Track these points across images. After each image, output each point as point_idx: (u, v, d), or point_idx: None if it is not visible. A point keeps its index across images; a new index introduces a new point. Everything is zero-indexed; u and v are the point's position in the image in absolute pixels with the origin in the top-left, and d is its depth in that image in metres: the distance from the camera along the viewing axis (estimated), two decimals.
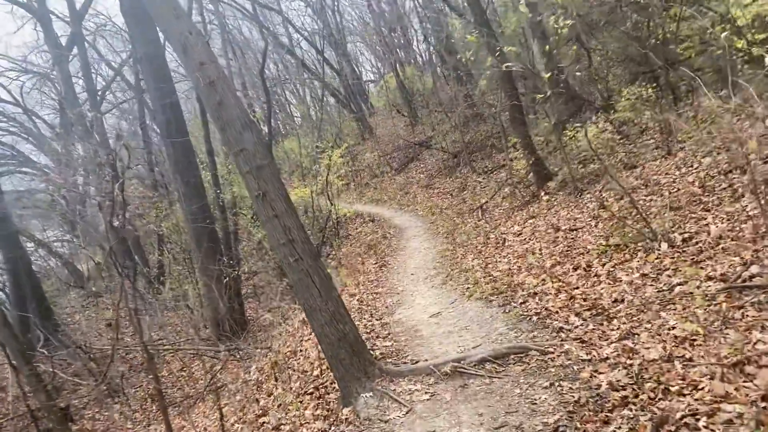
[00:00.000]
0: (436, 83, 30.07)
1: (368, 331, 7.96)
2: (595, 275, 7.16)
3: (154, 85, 14.39)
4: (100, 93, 25.19)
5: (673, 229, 7.22)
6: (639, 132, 12.82)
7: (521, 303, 7.24)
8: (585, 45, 17.27)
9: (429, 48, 31.19)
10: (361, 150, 29.40)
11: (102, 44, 29.09)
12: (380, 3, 34.56)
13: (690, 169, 9.22)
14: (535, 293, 7.33)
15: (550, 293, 7.10)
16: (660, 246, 7.00)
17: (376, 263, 12.72)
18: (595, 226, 9.22)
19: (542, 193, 13.01)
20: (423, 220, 17.17)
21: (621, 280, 6.66)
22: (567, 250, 8.67)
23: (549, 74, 8.49)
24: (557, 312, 6.52)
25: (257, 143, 5.73)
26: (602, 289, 6.63)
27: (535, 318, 6.61)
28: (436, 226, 15.38)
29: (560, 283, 7.29)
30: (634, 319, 5.66)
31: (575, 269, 7.68)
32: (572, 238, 9.18)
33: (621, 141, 12.45)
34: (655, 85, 11.78)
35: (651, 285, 6.24)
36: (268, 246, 17.93)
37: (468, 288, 8.70)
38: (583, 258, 7.96)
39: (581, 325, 5.99)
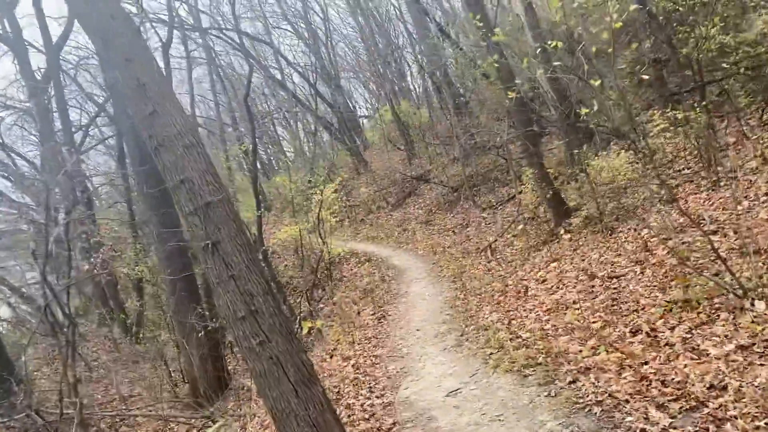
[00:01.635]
0: (432, 116, 28.58)
1: (367, 416, 6.03)
2: (667, 344, 5.29)
3: (126, 112, 12.68)
4: (83, 128, 23.50)
5: (765, 281, 5.40)
6: (667, 161, 11.11)
7: (570, 382, 5.35)
8: (596, 70, 15.70)
9: (424, 80, 29.76)
10: (355, 185, 27.66)
11: (87, 77, 27.49)
12: (374, 35, 33.31)
13: (756, 202, 7.45)
14: (587, 368, 5.45)
15: (610, 369, 5.22)
16: (754, 304, 5.18)
17: (374, 313, 10.80)
18: (642, 273, 7.39)
19: (561, 231, 11.21)
20: (424, 260, 15.31)
21: (708, 354, 4.81)
22: (613, 305, 6.82)
23: (599, 81, 6.74)
24: (628, 401, 4.64)
25: (206, 172, 3.93)
26: (685, 366, 4.76)
27: (596, 409, 4.72)
28: (440, 268, 13.52)
29: (619, 354, 5.42)
30: (755, 420, 3.81)
31: (634, 334, 5.82)
32: (615, 289, 7.34)
33: (649, 171, 10.73)
34: (692, 104, 10.12)
35: (760, 363, 4.40)
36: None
37: (491, 354, 6.80)
38: (640, 317, 6.11)
39: (671, 426, 4.12)
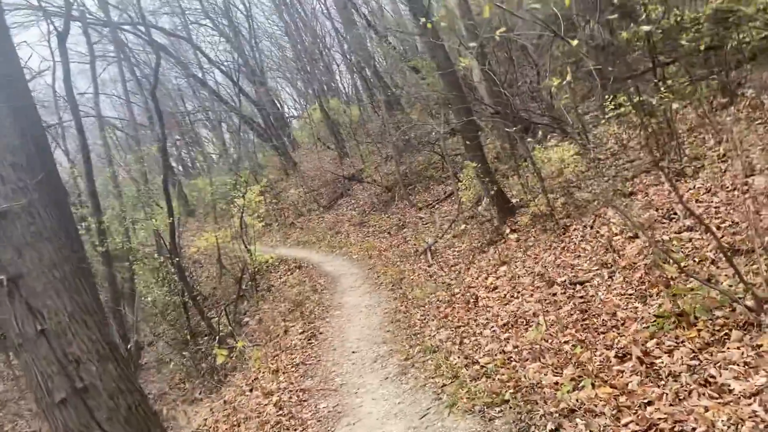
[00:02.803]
0: (363, 114, 27.21)
1: None
2: (670, 375, 4.10)
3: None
4: None
5: None
6: (616, 152, 10.18)
7: (552, 431, 4.07)
8: (533, 59, 14.83)
9: (353, 77, 28.38)
10: (284, 186, 25.92)
11: None
12: (300, 33, 31.58)
13: (734, 193, 6.47)
14: (572, 410, 4.18)
15: (602, 412, 3.98)
16: None
17: (303, 332, 9.28)
18: (611, 278, 6.28)
19: (507, 230, 10.08)
20: (359, 266, 13.90)
21: (732, 391, 3.64)
22: (584, 319, 5.63)
23: (558, 81, 5.50)
24: None
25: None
26: (706, 410, 3.56)
27: None
28: (377, 274, 12.14)
29: (610, 390, 4.19)
30: None
31: (621, 359, 4.62)
32: (581, 298, 6.18)
33: (598, 163, 9.74)
34: (640, 89, 9.19)
35: None
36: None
37: (444, 386, 5.46)
38: (622, 336, 4.92)
39: None
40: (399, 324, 7.96)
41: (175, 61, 26.15)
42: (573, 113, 12.61)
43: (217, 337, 10.87)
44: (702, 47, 7.82)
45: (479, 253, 9.92)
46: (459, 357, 5.92)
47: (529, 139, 13.76)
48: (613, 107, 9.07)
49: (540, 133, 13.91)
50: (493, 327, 6.49)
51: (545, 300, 6.67)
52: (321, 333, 8.94)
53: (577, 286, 6.60)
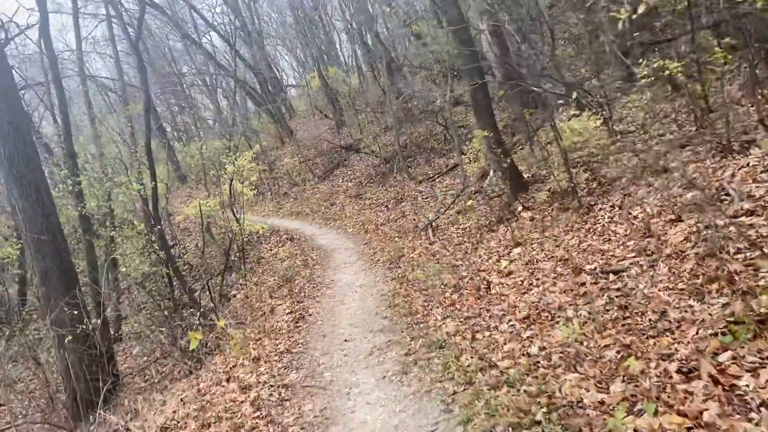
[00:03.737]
0: (362, 83, 25.84)
1: None
2: (763, 405, 3.05)
3: None
4: None
5: None
6: (640, 125, 9.03)
7: None
8: (549, 25, 13.54)
9: (354, 44, 26.93)
10: (279, 155, 24.67)
11: None
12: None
13: None
14: None
15: None
16: None
17: (290, 312, 8.20)
18: (652, 267, 5.19)
19: (519, 208, 8.99)
20: (354, 240, 12.82)
21: None
22: (624, 318, 4.58)
23: (627, 14, 4.37)
24: None
25: None
26: None
27: None
28: (373, 250, 11.07)
29: (683, 421, 3.14)
30: None
31: (687, 375, 3.56)
32: (618, 291, 5.11)
33: (626, 136, 8.61)
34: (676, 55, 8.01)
35: None
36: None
37: (455, 393, 4.41)
38: (681, 344, 3.87)
39: None
40: (398, 309, 6.89)
41: (169, 20, 24.61)
42: (592, 83, 11.45)
43: (199, 313, 9.81)
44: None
45: (488, 232, 8.84)
46: (472, 356, 4.86)
47: (537, 112, 12.61)
48: (645, 73, 7.90)
49: (553, 104, 12.76)
50: (510, 321, 5.42)
51: (572, 291, 5.61)
52: (310, 315, 7.87)
53: (611, 275, 5.53)
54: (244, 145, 21.67)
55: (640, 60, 9.02)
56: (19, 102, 10.33)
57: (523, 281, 6.36)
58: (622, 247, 6.03)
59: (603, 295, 5.26)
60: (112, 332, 12.56)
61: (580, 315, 4.97)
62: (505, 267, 6.81)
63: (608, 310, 4.89)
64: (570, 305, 5.31)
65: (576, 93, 10.54)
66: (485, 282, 6.65)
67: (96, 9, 22.19)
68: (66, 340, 9.01)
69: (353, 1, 23.30)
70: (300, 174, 21.35)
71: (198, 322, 9.72)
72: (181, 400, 6.22)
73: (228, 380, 6.22)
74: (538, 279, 6.26)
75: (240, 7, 27.58)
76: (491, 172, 12.10)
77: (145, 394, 9.49)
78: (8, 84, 9.85)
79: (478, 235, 8.88)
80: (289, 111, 29.71)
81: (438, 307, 6.41)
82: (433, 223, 10.89)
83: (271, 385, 5.53)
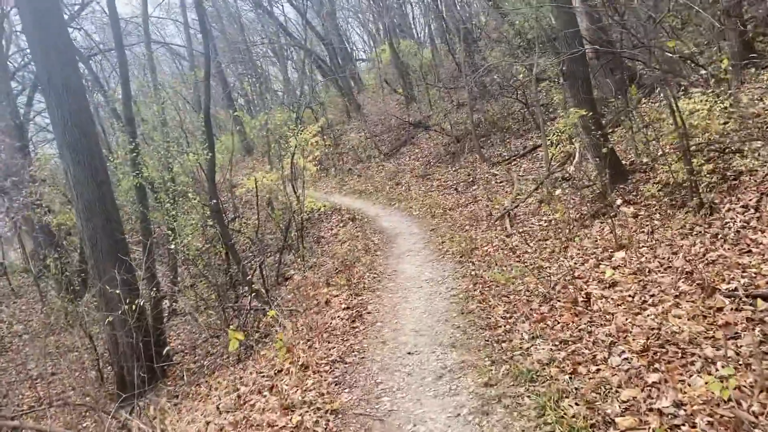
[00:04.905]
0: (435, 58, 24.36)
1: None
2: None
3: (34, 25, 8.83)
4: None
5: None
6: None
7: None
8: None
9: (427, 15, 25.39)
10: (345, 130, 23.70)
11: None
12: None
13: None
14: None
15: None
16: None
17: (347, 307, 7.18)
18: None
19: (618, 201, 7.55)
20: (420, 225, 11.67)
21: None
22: None
23: None
24: None
25: None
26: None
27: None
28: (441, 238, 9.88)
29: None
30: None
31: None
32: None
33: (754, 122, 6.97)
34: None
35: None
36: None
37: None
38: None
39: None
40: (473, 318, 5.71)
41: None
42: (702, 58, 9.73)
43: (250, 297, 9.00)
44: None
45: (580, 228, 7.47)
46: (576, 402, 3.65)
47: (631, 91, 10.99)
48: None
49: (663, 81, 11.06)
50: (623, 352, 4.15)
51: (705, 318, 4.26)
52: (369, 313, 6.81)
53: (761, 301, 4.14)
54: (310, 119, 20.79)
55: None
56: (75, 65, 9.69)
57: (633, 297, 5.03)
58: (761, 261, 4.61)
59: (754, 329, 3.91)
60: (166, 306, 12.07)
61: (726, 357, 3.65)
62: (609, 276, 5.47)
63: None
64: (706, 339, 3.99)
65: (688, 68, 8.91)
66: (583, 293, 5.35)
67: None
68: (114, 315, 8.42)
69: None
70: (365, 150, 20.31)
71: (249, 307, 8.89)
72: (217, 408, 5.31)
73: (271, 389, 5.26)
74: (653, 296, 4.92)
75: None
76: (577, 157, 10.63)
77: (193, 378, 8.84)
78: (64, 45, 9.21)
79: (567, 231, 7.53)
80: (358, 84, 28.61)
81: (524, 322, 5.18)
82: (511, 212, 9.58)
83: (318, 408, 4.51)
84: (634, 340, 4.28)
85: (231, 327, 8.88)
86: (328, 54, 24.95)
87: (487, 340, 5.07)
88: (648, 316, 4.58)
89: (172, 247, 9.62)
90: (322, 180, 19.79)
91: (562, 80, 13.40)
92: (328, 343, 5.99)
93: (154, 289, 10.39)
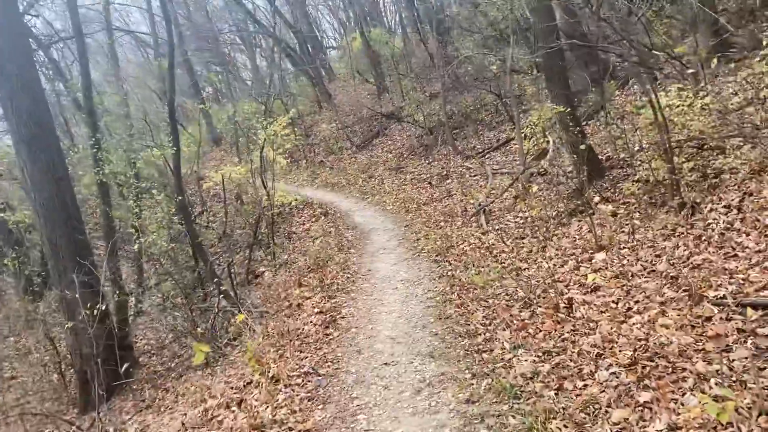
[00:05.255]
0: (407, 47, 23.98)
1: None
2: None
3: None
4: None
5: None
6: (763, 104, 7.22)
7: None
8: None
9: (400, 4, 24.98)
10: (316, 120, 23.22)
11: None
12: None
13: None
14: None
15: None
16: None
17: (320, 312, 6.86)
18: None
19: (596, 198, 7.39)
20: (394, 220, 11.40)
21: None
22: None
23: None
24: None
25: None
26: None
27: None
28: (416, 234, 9.64)
29: None
30: None
31: None
32: None
33: (736, 119, 6.85)
34: None
35: None
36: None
37: None
38: None
39: None
40: (451, 324, 5.47)
41: None
42: (674, 52, 9.61)
43: (217, 300, 8.62)
44: None
45: (557, 226, 7.30)
46: (565, 424, 3.42)
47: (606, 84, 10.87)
48: None
49: (641, 74, 10.96)
50: (610, 366, 3.95)
51: (693, 328, 4.09)
52: (343, 317, 6.52)
53: (751, 310, 3.99)
54: (280, 109, 20.26)
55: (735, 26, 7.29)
56: (29, 54, 9.10)
57: (617, 303, 4.85)
58: (758, 269, 4.46)
59: (746, 341, 3.75)
60: (131, 306, 11.58)
61: (720, 372, 3.47)
62: (591, 280, 5.28)
63: (763, 369, 3.39)
64: (696, 352, 3.81)
65: (663, 60, 8.79)
66: (564, 299, 5.15)
67: None
68: (75, 319, 7.96)
69: None
70: (337, 142, 19.91)
71: (217, 308, 8.52)
72: (183, 424, 4.98)
73: (240, 404, 4.94)
74: (638, 302, 4.74)
75: None
76: (551, 151, 10.47)
77: (160, 382, 8.49)
78: (17, 33, 8.61)
79: (545, 229, 7.34)
80: (329, 74, 28.07)
81: (504, 329, 4.96)
82: (486, 208, 9.38)
83: (290, 428, 4.21)
84: (621, 351, 4.09)
85: (198, 332, 8.55)
86: (297, 42, 24.36)
87: (467, 350, 4.83)
88: (634, 324, 4.40)
89: (135, 247, 9.15)
90: (293, 172, 19.34)
91: (536, 72, 13.27)
92: (300, 351, 5.68)
93: (118, 289, 9.94)
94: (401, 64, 22.27)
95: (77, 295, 7.72)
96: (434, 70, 17.78)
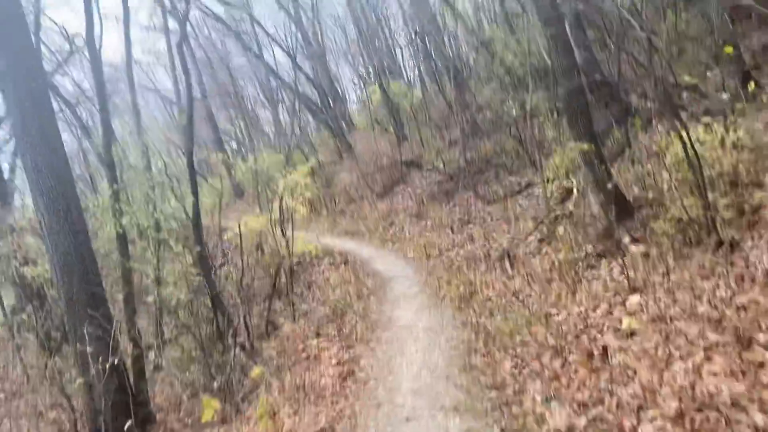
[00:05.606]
0: (425, 98, 24.23)
1: None
2: None
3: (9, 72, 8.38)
4: None
5: None
6: None
7: None
8: (645, 26, 11.54)
9: (417, 55, 25.42)
10: (336, 170, 23.32)
11: None
12: (364, 11, 28.70)
13: None
14: None
15: None
16: None
17: (338, 362, 6.55)
18: None
19: (625, 239, 7.04)
20: (416, 267, 11.11)
21: None
22: None
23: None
24: None
25: None
26: None
27: None
28: (437, 281, 9.31)
29: None
30: None
31: None
32: None
33: None
34: None
35: None
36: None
37: None
38: None
39: None
40: (476, 375, 5.11)
41: (232, 33, 23.87)
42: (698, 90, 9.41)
43: (233, 353, 8.34)
44: None
45: (586, 269, 6.93)
46: None
47: (627, 125, 10.62)
48: None
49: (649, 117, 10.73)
50: (655, 419, 3.56)
51: (744, 374, 3.69)
52: (361, 369, 6.19)
53: None
54: (301, 160, 20.41)
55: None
56: (49, 108, 9.25)
57: (656, 349, 4.46)
58: None
59: None
60: (152, 359, 11.33)
61: None
62: (627, 325, 4.90)
63: None
64: (751, 401, 3.41)
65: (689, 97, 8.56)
66: (599, 345, 4.77)
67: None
68: (89, 375, 7.72)
69: (416, 11, 21.82)
70: (357, 190, 19.86)
71: (232, 362, 8.22)
72: None
73: None
74: (679, 348, 4.35)
75: (302, 20, 26.59)
76: (575, 193, 10.18)
77: None
78: (39, 87, 8.77)
79: (573, 273, 6.98)
80: (349, 125, 28.42)
81: (535, 380, 4.59)
82: (510, 253, 9.05)
83: None
84: (664, 402, 3.70)
85: (214, 386, 8.24)
86: (318, 96, 24.78)
87: (494, 403, 4.46)
88: (677, 372, 4.01)
89: (149, 299, 8.99)
90: (314, 222, 19.25)
91: (556, 116, 13.14)
92: (316, 406, 5.35)
93: (134, 343, 9.72)
94: (420, 114, 22.41)
95: (89, 349, 7.52)
96: (453, 118, 17.80)
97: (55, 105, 17.80)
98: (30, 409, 11.48)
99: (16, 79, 8.31)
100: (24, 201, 17.95)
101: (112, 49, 50.48)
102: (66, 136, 26.09)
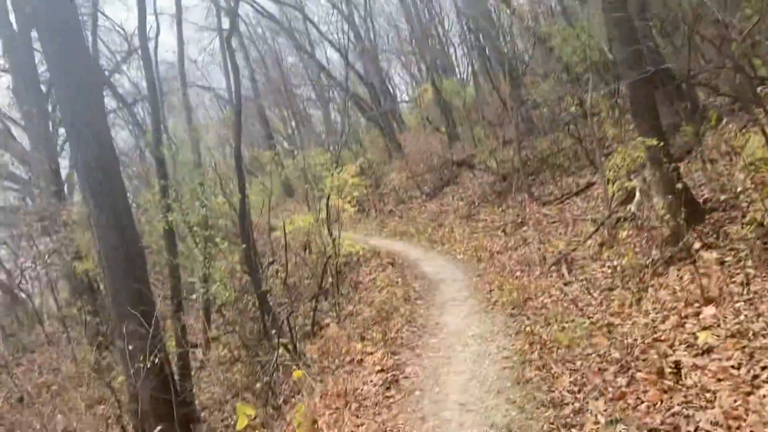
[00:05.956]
0: (478, 95, 23.71)
1: None
2: None
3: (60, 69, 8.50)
4: None
5: None
6: None
7: None
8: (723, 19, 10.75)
9: (470, 52, 24.90)
10: (386, 170, 23.08)
11: None
12: (417, 9, 28.37)
13: None
14: None
15: None
16: None
17: (381, 368, 6.26)
18: None
19: (696, 244, 6.45)
20: (465, 270, 10.71)
21: None
22: None
23: None
24: None
25: None
26: None
27: None
28: (488, 285, 8.90)
29: None
30: None
31: None
32: None
33: None
34: None
35: None
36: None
37: None
38: None
39: None
40: (531, 390, 4.71)
41: (284, 31, 24.02)
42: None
43: (276, 353, 8.17)
44: None
45: (653, 277, 6.39)
46: None
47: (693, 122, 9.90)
48: None
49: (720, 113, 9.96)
50: None
51: None
52: (406, 377, 5.88)
53: None
54: (351, 159, 20.28)
55: None
56: (100, 104, 9.36)
57: (738, 368, 3.96)
58: None
59: None
60: (200, 357, 11.37)
61: None
62: (702, 340, 4.40)
63: None
64: None
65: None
66: (670, 362, 4.29)
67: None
68: (132, 371, 7.71)
69: (470, 7, 21.32)
70: (407, 191, 19.57)
71: (276, 363, 8.07)
72: None
73: None
74: (766, 369, 3.83)
75: (354, 18, 26.51)
76: (637, 194, 9.55)
77: None
78: (90, 84, 8.86)
79: (638, 280, 6.45)
80: (400, 124, 28.16)
81: (597, 399, 4.16)
82: (568, 257, 8.54)
83: None
84: (747, 428, 3.22)
85: (256, 388, 8.11)
86: (369, 94, 24.63)
87: (552, 423, 4.07)
88: (765, 396, 3.51)
89: (194, 296, 8.95)
90: (362, 222, 19.07)
91: (618, 112, 12.45)
92: (357, 417, 5.06)
93: (179, 341, 9.72)
94: (473, 112, 21.91)
95: (130, 347, 7.50)
96: (507, 116, 17.24)
97: (113, 103, 18.30)
98: (79, 403, 11.73)
99: (67, 76, 8.42)
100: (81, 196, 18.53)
101: (171, 48, 51.95)
102: (124, 134, 26.94)
